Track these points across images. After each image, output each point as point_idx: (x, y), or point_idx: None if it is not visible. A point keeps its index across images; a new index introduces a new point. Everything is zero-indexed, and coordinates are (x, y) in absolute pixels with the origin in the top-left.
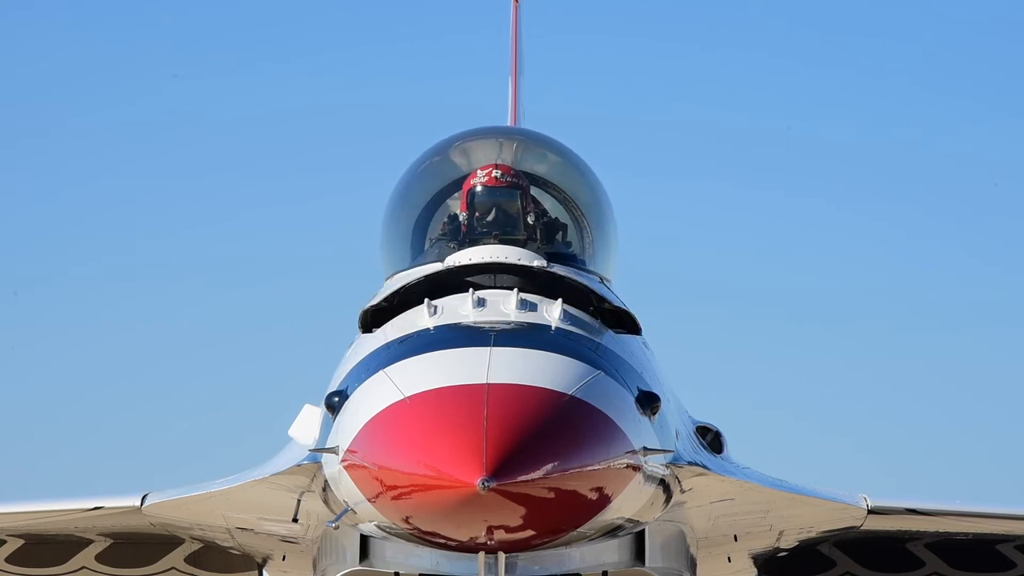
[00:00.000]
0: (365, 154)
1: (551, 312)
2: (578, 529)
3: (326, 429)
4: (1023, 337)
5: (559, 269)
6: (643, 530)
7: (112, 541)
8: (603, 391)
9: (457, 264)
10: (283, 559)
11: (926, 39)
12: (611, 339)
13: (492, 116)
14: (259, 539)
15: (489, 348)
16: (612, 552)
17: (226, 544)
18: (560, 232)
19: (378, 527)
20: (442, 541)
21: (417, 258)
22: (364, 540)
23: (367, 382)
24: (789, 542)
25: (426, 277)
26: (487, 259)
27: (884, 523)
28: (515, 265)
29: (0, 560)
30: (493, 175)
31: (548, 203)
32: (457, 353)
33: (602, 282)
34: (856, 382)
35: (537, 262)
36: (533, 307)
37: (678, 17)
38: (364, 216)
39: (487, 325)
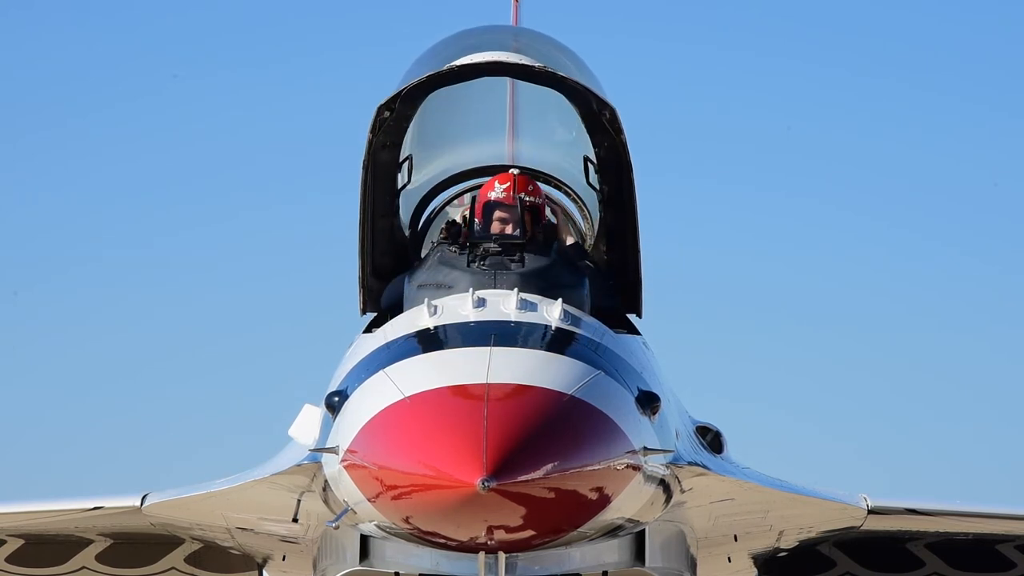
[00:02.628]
0: None
1: (551, 312)
2: (578, 529)
3: (326, 429)
4: (1023, 337)
5: (562, 73)
6: (643, 530)
7: (112, 541)
8: (603, 391)
9: (459, 64)
10: (283, 559)
11: (926, 39)
12: (611, 339)
13: None
14: (259, 539)
15: (489, 348)
16: (612, 552)
17: (226, 544)
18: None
19: (378, 527)
20: (442, 541)
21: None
22: (364, 540)
23: (367, 382)
24: (789, 542)
25: (428, 76)
26: (488, 59)
27: (884, 523)
28: (516, 65)
29: (0, 560)
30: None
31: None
32: (457, 353)
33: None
34: (856, 382)
35: (539, 64)
36: (533, 307)
37: (677, 17)
38: None
39: (487, 325)
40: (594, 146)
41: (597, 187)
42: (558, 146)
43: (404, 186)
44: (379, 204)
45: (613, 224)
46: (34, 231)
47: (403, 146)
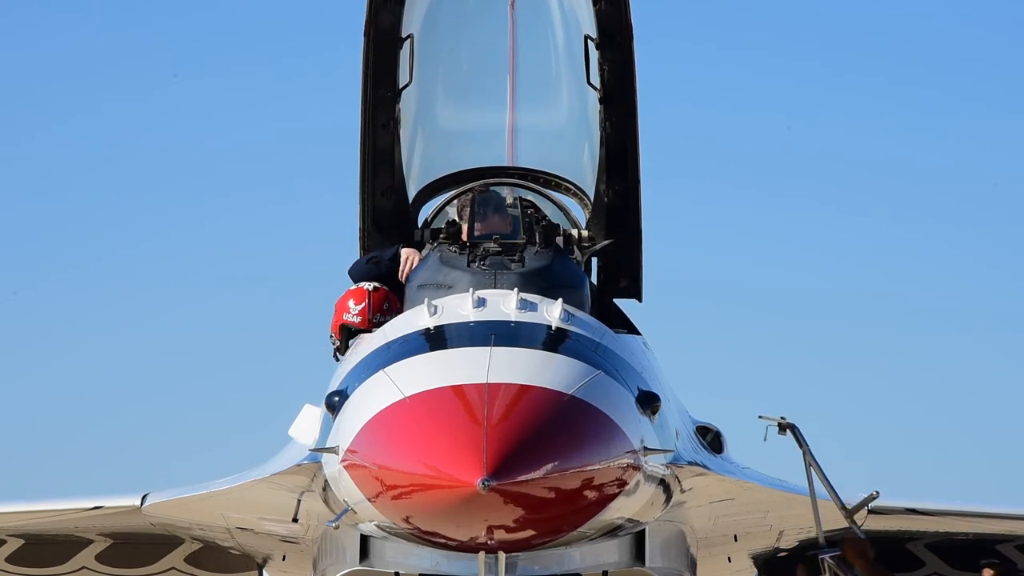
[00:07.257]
0: None
1: (551, 312)
2: (578, 529)
3: (326, 429)
4: (1023, 337)
5: None
6: (643, 530)
7: (112, 541)
8: (603, 391)
9: None
10: (283, 559)
11: (926, 39)
12: (611, 339)
13: None
14: (259, 539)
15: (489, 348)
16: (612, 552)
17: (226, 544)
18: None
19: (378, 527)
20: (442, 541)
21: None
22: (364, 540)
23: (367, 382)
24: (789, 542)
25: None
26: None
27: (884, 523)
28: None
29: (0, 560)
30: None
31: None
32: (457, 353)
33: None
34: (856, 382)
35: None
36: (533, 307)
37: (676, 16)
38: None
39: (487, 325)
40: (594, 2)
41: (597, 83)
42: (561, 82)
43: (405, 86)
44: (380, 102)
45: (613, 131)
46: (34, 231)
47: (404, 11)
